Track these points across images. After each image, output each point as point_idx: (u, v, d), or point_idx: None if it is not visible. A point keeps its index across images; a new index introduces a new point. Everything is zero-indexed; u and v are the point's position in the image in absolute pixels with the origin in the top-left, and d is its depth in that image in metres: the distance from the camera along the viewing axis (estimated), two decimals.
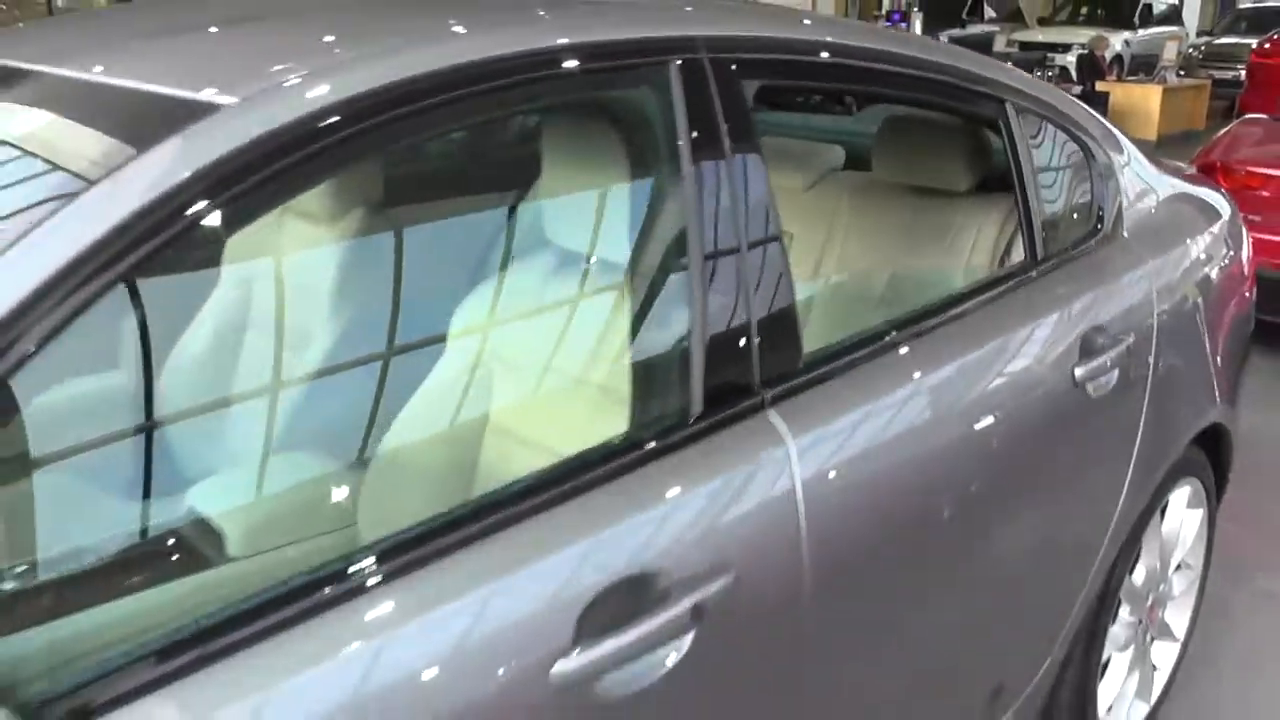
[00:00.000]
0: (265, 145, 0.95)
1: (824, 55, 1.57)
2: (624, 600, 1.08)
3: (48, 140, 1.06)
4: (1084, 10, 21.39)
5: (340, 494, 1.29)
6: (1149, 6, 20.57)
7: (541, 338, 1.39)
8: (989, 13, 23.48)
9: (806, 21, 1.61)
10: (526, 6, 1.32)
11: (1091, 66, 14.19)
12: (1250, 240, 2.69)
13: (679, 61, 1.30)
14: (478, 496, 1.09)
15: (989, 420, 1.59)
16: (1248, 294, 2.61)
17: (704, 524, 1.17)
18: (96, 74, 1.11)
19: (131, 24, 1.40)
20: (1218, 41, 18.08)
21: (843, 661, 1.37)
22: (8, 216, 0.90)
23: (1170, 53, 14.06)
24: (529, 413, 1.34)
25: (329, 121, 0.99)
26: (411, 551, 0.99)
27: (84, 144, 1.00)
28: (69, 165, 0.97)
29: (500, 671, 0.99)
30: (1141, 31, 19.52)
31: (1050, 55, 17.38)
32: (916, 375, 1.50)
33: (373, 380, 1.37)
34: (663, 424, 1.23)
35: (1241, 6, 20.88)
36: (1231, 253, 2.51)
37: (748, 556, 1.19)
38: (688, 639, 1.12)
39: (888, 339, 1.52)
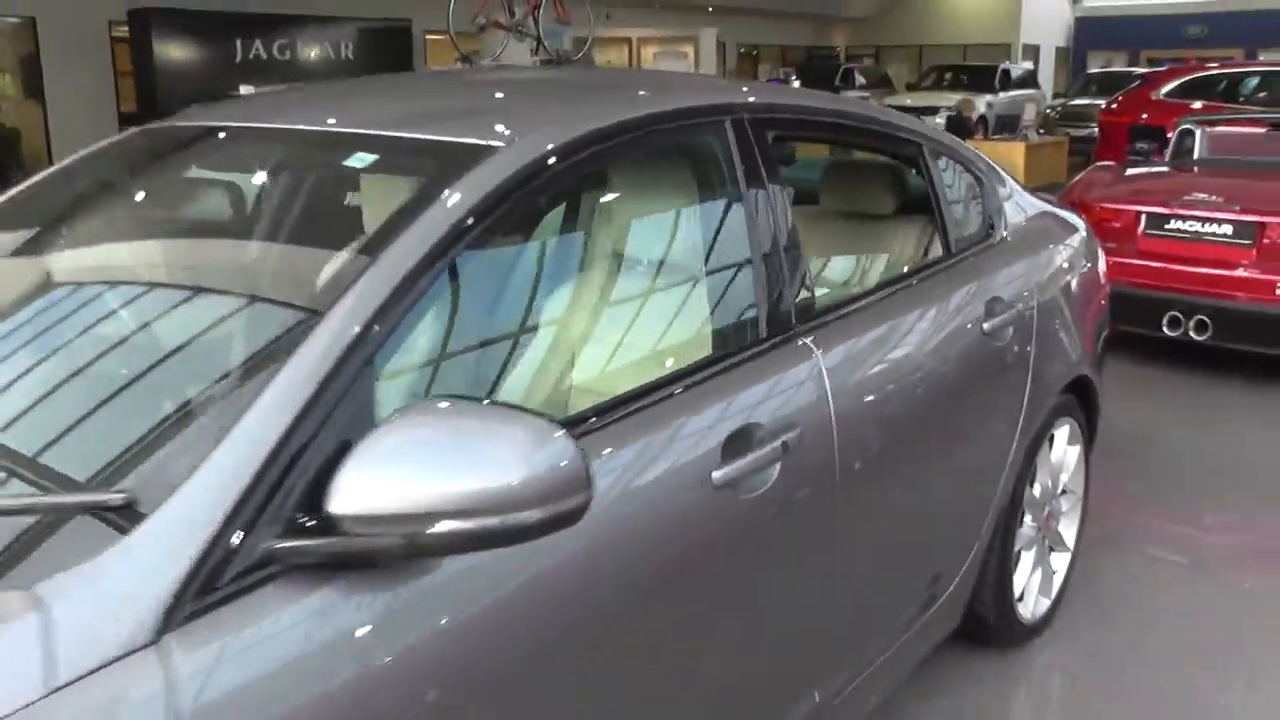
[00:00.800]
0: (527, 169, 1.64)
1: (809, 115, 2.34)
2: (744, 439, 1.79)
3: (395, 170, 1.75)
4: (948, 77, 23.11)
5: (609, 378, 1.89)
6: (1007, 72, 22.31)
7: (681, 298, 2.09)
8: (859, 79, 25.21)
9: (804, 97, 2.39)
10: (636, 85, 2.05)
11: (960, 126, 15.49)
12: (1104, 255, 3.54)
13: (730, 120, 2.04)
14: (668, 377, 1.77)
15: (915, 370, 2.34)
16: (1104, 285, 3.45)
17: (780, 398, 1.89)
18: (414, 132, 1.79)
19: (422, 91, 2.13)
20: (1072, 103, 19.83)
21: (857, 486, 2.07)
22: (401, 213, 1.56)
23: (1030, 114, 15.50)
24: (686, 341, 2.02)
25: (554, 155, 1.69)
26: (636, 405, 1.66)
27: (426, 171, 1.67)
28: (416, 185, 1.64)
29: (685, 477, 1.68)
30: (1003, 94, 21.15)
31: (921, 118, 18.73)
32: (880, 323, 2.25)
33: (612, 318, 2.04)
34: (748, 345, 1.94)
35: (1090, 71, 22.80)
36: (1088, 256, 3.35)
37: (804, 418, 1.91)
38: (778, 465, 1.83)
39: (861, 302, 2.27)
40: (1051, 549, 3.14)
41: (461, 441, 1.20)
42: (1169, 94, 11.40)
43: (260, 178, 2.12)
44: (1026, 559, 2.99)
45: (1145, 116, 11.00)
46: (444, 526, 1.17)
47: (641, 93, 2.09)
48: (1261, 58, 22.16)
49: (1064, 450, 3.10)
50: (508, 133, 1.69)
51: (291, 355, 1.30)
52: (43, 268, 1.94)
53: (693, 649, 1.75)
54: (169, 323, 1.67)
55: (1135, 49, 27.91)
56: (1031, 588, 3.03)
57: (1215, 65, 12.88)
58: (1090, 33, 30.12)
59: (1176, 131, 6.82)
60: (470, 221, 1.52)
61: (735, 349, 1.91)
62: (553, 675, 1.46)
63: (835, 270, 2.81)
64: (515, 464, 1.19)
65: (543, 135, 1.71)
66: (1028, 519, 2.94)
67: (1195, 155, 6.58)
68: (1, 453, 1.37)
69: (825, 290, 2.47)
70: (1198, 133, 6.66)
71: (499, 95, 2.22)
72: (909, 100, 21.34)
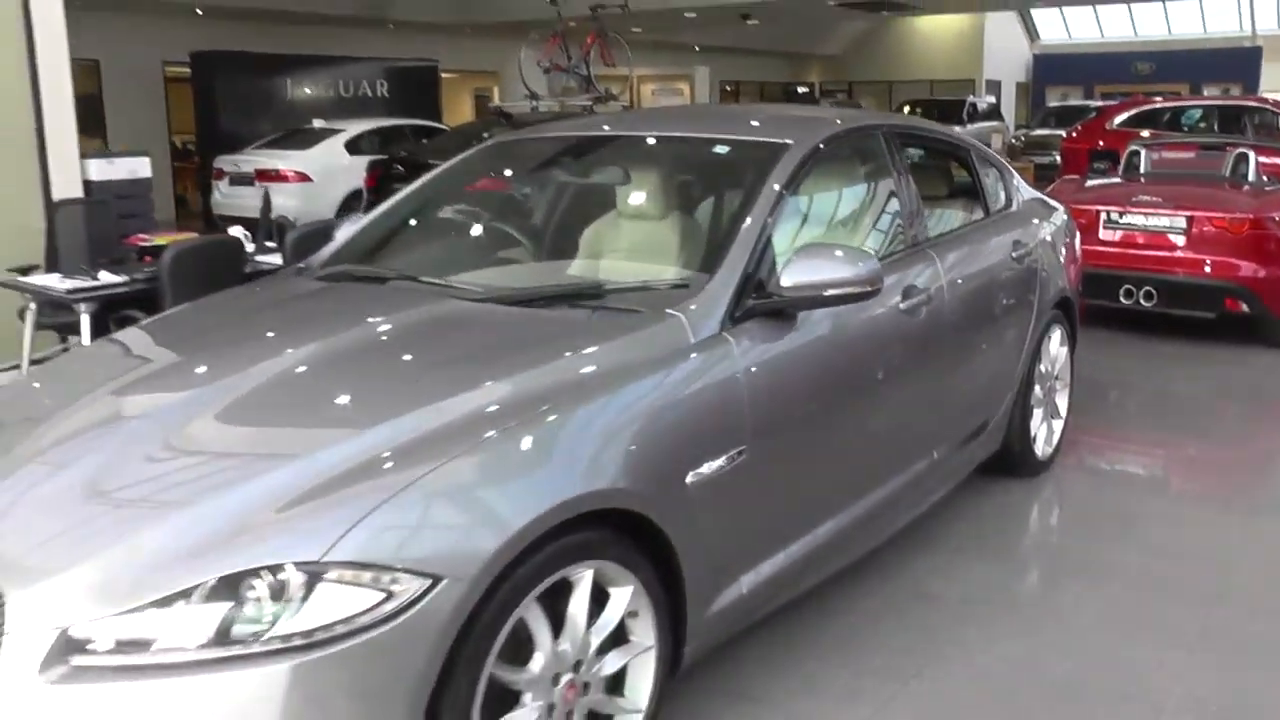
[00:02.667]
0: (809, 151, 3.33)
1: (915, 131, 4.09)
2: (910, 290, 3.46)
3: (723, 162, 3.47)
4: (918, 111, 25.15)
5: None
6: (974, 105, 24.34)
7: (875, 220, 3.71)
8: None
9: (913, 122, 4.14)
10: (828, 114, 3.78)
11: None
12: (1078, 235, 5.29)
13: (881, 132, 3.76)
14: (881, 255, 3.46)
15: (987, 274, 4.04)
16: (1077, 243, 5.21)
17: (923, 275, 3.58)
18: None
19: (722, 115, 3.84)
20: (1034, 133, 21.90)
21: (955, 332, 3.73)
22: (759, 173, 3.23)
23: (996, 143, 17.48)
24: (884, 241, 3.63)
25: (817, 148, 3.38)
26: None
27: (759, 155, 3.33)
28: (758, 161, 3.31)
29: (888, 302, 3.37)
30: (970, 125, 23.12)
31: None
32: (962, 247, 3.96)
33: (852, 223, 3.63)
34: (908, 246, 3.63)
35: (1050, 105, 24.93)
36: (1068, 225, 5.10)
37: (932, 287, 3.61)
38: (925, 307, 3.51)
39: (950, 235, 3.99)
40: (1051, 416, 4.85)
41: (839, 256, 2.86)
42: (1122, 123, 13.33)
43: (648, 165, 3.74)
44: (1037, 414, 4.69)
45: (1101, 143, 12.92)
46: (830, 291, 2.84)
47: (837, 119, 3.79)
48: (1205, 91, 24.38)
49: (1057, 346, 4.82)
50: (791, 138, 3.38)
51: (737, 233, 2.97)
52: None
53: (885, 401, 3.41)
54: (681, 222, 3.34)
55: (1089, 83, 30.16)
56: (1040, 436, 4.73)
57: (1160, 100, 14.89)
58: (1047, 69, 32.44)
59: (1127, 152, 8.65)
60: (790, 177, 3.21)
61: (902, 247, 3.60)
62: (847, 377, 3.14)
63: (935, 219, 4.52)
64: (857, 266, 2.86)
65: (806, 138, 3.39)
66: (1037, 388, 4.64)
67: (1142, 170, 8.41)
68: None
69: (934, 228, 4.15)
70: (1143, 153, 8.50)
71: (760, 117, 3.89)
72: None
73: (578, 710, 2.34)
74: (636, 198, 3.44)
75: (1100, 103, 19.75)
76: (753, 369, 2.74)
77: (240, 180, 12.34)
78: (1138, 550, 3.97)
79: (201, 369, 2.63)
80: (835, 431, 3.11)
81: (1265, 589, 3.69)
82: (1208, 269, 7.02)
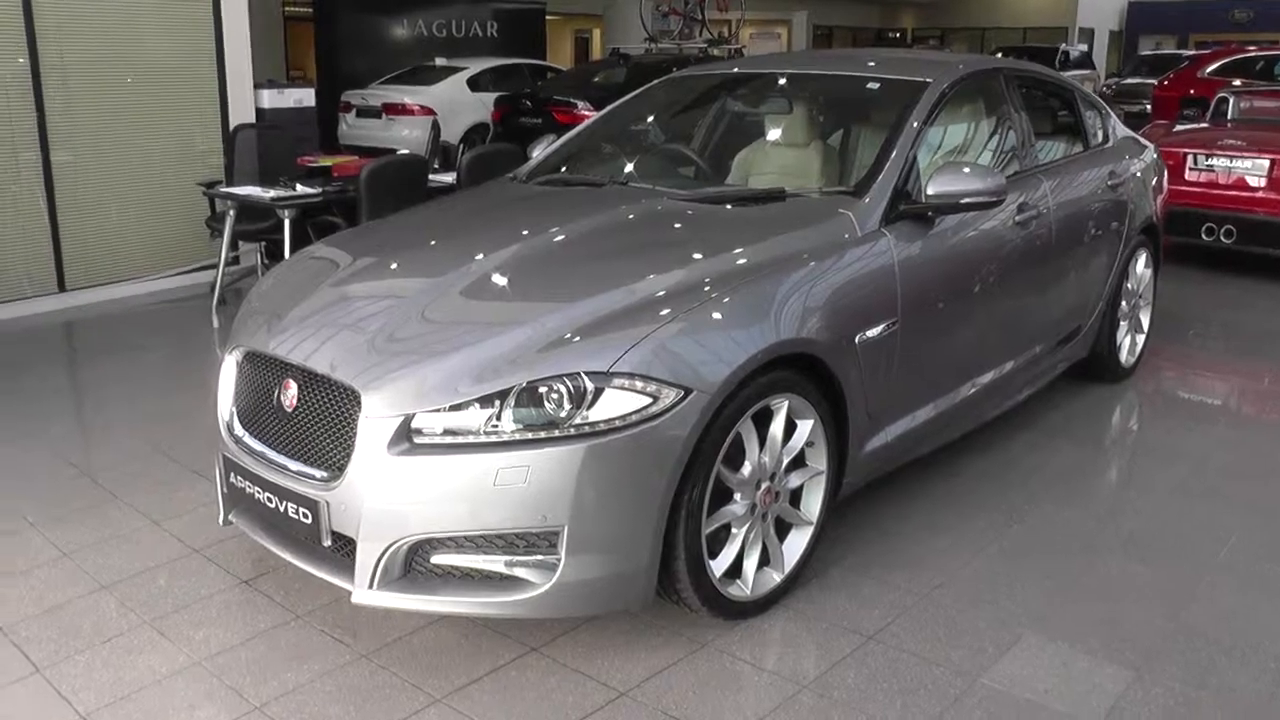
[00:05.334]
0: (945, 89, 3.99)
1: (1030, 74, 4.73)
2: (1024, 206, 4.12)
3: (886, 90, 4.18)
4: (1012, 57, 25.25)
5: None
6: (1066, 53, 24.39)
7: (1001, 146, 4.36)
8: None
9: (1029, 66, 4.77)
10: (955, 60, 4.44)
11: None
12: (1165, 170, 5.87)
13: (1003, 74, 4.42)
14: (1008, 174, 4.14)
15: (1085, 199, 4.69)
16: (1165, 183, 5.80)
17: (1034, 194, 4.25)
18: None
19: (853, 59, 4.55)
20: (1125, 81, 21.94)
21: (1060, 244, 4.40)
22: (906, 106, 3.92)
23: (1087, 90, 17.67)
24: (1008, 163, 4.33)
25: (956, 84, 4.04)
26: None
27: (906, 91, 4.01)
28: (904, 95, 4.00)
29: (1007, 217, 4.05)
30: (1063, 74, 23.26)
31: None
32: (1067, 174, 4.61)
33: (984, 146, 4.36)
34: (1020, 171, 4.30)
35: (1142, 54, 24.83)
36: (1156, 163, 5.69)
37: (1042, 205, 4.26)
38: (1034, 220, 4.19)
39: (1059, 163, 4.64)
40: (1135, 330, 5.49)
41: (972, 172, 3.55)
42: (1213, 72, 13.62)
43: (808, 98, 4.42)
44: (1123, 326, 5.33)
45: (1192, 91, 13.25)
46: (965, 199, 3.52)
47: (960, 63, 4.44)
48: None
49: (1142, 268, 5.44)
50: (929, 78, 4.05)
51: (891, 151, 3.67)
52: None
53: (1000, 297, 4.08)
54: (840, 145, 4.15)
55: (1184, 33, 29.83)
56: (1124, 346, 5.38)
57: (1253, 49, 15.05)
58: (1141, 17, 32.04)
59: (1216, 99, 9.10)
60: (930, 110, 3.89)
61: (1015, 170, 4.26)
62: (972, 274, 3.83)
63: (1044, 150, 5.13)
64: (992, 179, 3.54)
65: (942, 78, 4.06)
66: (1123, 303, 5.28)
67: (1230, 116, 8.86)
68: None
69: (1042, 157, 4.79)
70: (1231, 100, 8.94)
71: (898, 60, 4.56)
72: None
73: (770, 513, 3.09)
74: (801, 124, 4.16)
75: (1192, 52, 19.75)
76: (903, 257, 3.45)
77: (367, 113, 13.19)
78: (1202, 441, 4.64)
79: (476, 241, 3.39)
80: (962, 315, 3.81)
81: None
82: None
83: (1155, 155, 5.75)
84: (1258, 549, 3.62)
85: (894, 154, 3.64)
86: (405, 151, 7.21)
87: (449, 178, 6.54)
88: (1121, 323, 5.28)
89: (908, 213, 3.55)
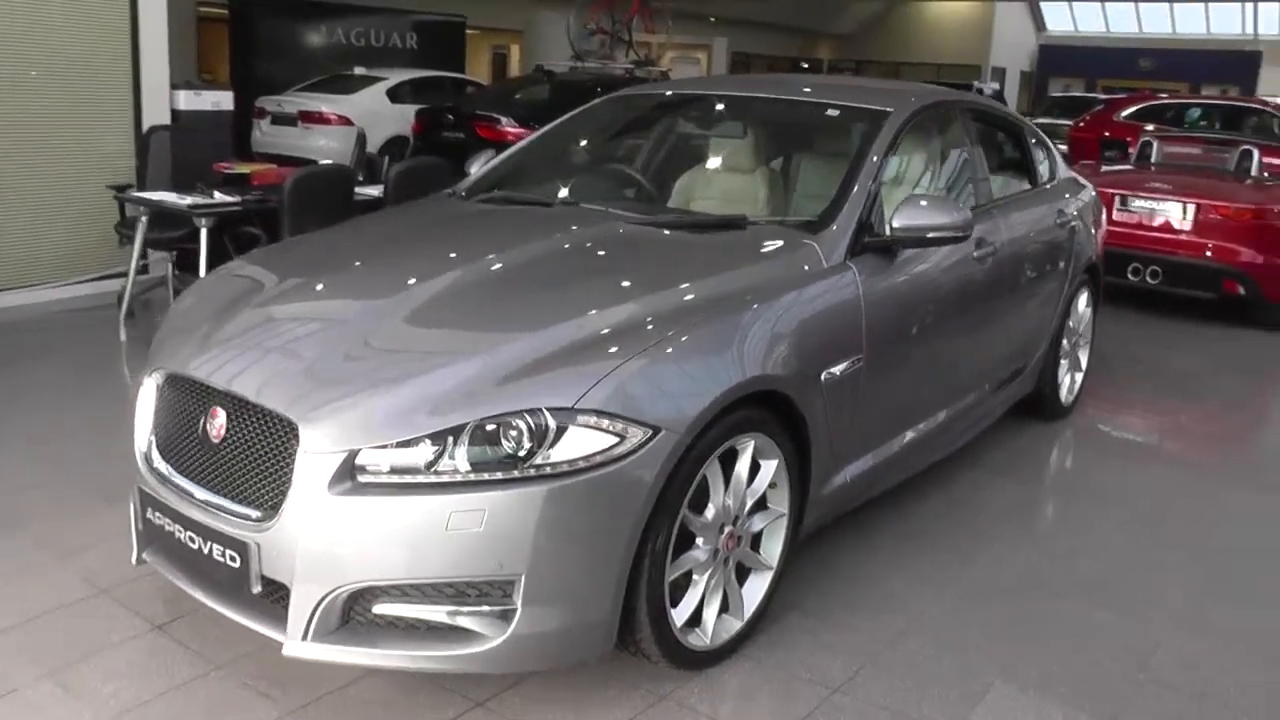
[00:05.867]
0: (906, 118, 3.88)
1: (981, 108, 4.66)
2: (981, 241, 4.07)
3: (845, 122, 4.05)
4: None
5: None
6: (980, 90, 24.93)
7: (953, 177, 4.32)
8: None
9: (982, 101, 4.71)
10: (908, 89, 4.35)
11: None
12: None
13: (958, 109, 4.34)
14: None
15: (1036, 236, 4.63)
16: (1104, 222, 5.81)
17: (990, 230, 4.18)
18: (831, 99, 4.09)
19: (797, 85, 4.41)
20: (1039, 121, 22.47)
21: (1008, 280, 4.32)
22: (866, 138, 3.81)
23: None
24: (964, 196, 4.28)
25: (916, 114, 3.94)
26: None
27: (865, 119, 3.91)
28: (865, 124, 3.89)
29: (966, 251, 3.96)
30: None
31: None
32: (1020, 209, 4.55)
33: (937, 176, 4.26)
34: (978, 205, 4.23)
35: (1055, 95, 25.52)
36: (1096, 201, 5.70)
37: (997, 239, 4.20)
38: (991, 257, 4.13)
39: (1010, 199, 4.58)
40: (1074, 369, 5.47)
41: (938, 206, 3.44)
42: (1128, 116, 13.94)
43: (765, 122, 4.28)
44: (1064, 365, 5.31)
45: (1108, 133, 13.55)
46: (931, 233, 3.40)
47: (913, 95, 4.34)
48: (1203, 91, 25.01)
49: (1083, 307, 5.42)
50: (890, 107, 3.94)
51: (855, 181, 3.54)
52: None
53: (958, 334, 3.99)
54: (800, 172, 3.97)
55: (1092, 77, 30.77)
56: (1064, 384, 5.36)
57: (1165, 96, 15.51)
58: (1052, 60, 33.04)
59: (1140, 142, 9.26)
60: (892, 140, 3.77)
61: (972, 205, 4.15)
62: (932, 310, 3.71)
63: (996, 185, 5.08)
64: (958, 213, 3.43)
65: (902, 108, 3.96)
66: (1065, 342, 5.25)
67: (1153, 160, 9.03)
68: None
69: (996, 192, 4.71)
70: (1155, 144, 9.11)
71: (857, 88, 4.45)
72: None
73: (731, 558, 2.92)
74: (758, 149, 4.01)
75: (1105, 96, 20.32)
76: (868, 291, 3.32)
77: (283, 120, 12.78)
78: (1139, 480, 4.62)
79: (419, 262, 3.16)
80: (923, 351, 3.70)
81: (1248, 516, 4.35)
82: (1209, 253, 7.66)
83: (1094, 194, 5.76)
84: (1205, 592, 3.59)
85: (858, 184, 3.52)
86: (329, 162, 6.90)
87: (375, 191, 6.28)
88: (1063, 361, 5.26)
89: (871, 245, 3.43)
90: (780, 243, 3.33)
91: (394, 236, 3.60)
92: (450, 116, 11.09)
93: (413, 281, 2.96)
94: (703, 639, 2.86)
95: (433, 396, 2.47)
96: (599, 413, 2.46)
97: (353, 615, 2.48)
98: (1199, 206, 7.68)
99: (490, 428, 2.43)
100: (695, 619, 2.85)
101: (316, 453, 2.43)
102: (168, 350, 2.93)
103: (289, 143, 12.46)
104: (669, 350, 2.65)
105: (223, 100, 8.07)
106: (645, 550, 2.57)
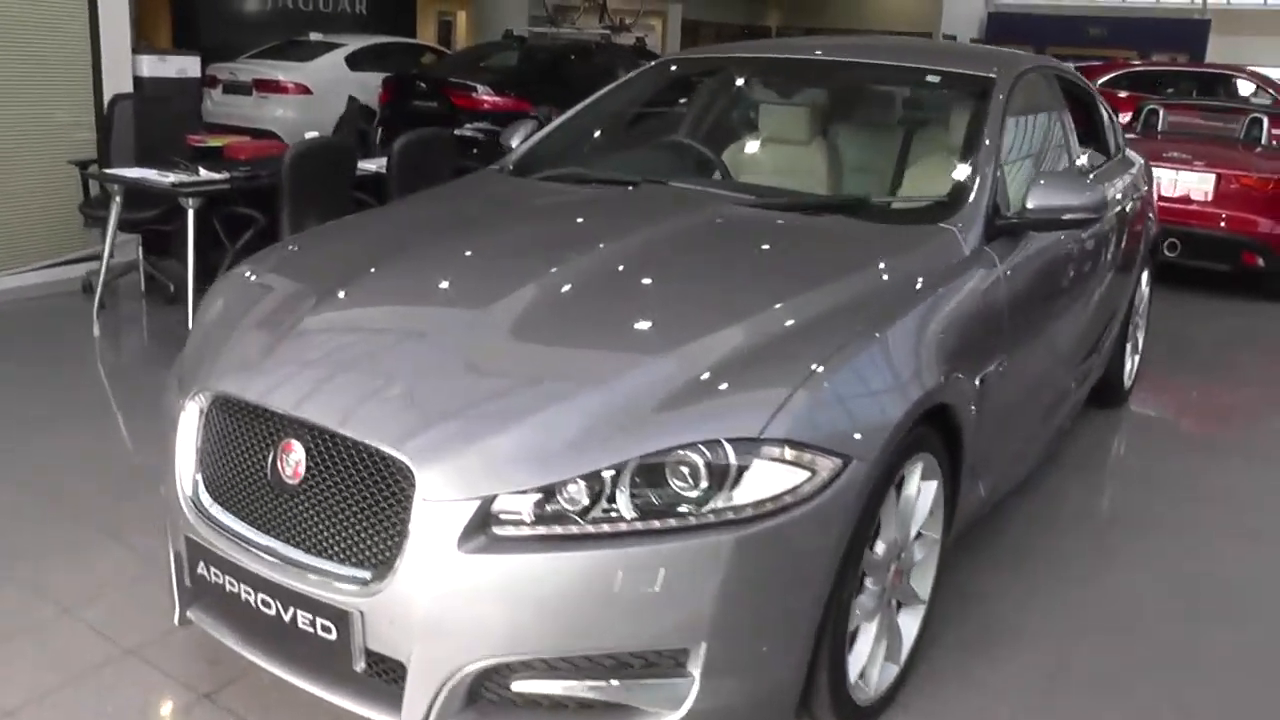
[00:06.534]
0: (1013, 83, 3.46)
1: (1065, 76, 4.26)
2: None
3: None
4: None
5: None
6: None
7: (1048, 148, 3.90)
8: None
9: (1066, 71, 4.31)
10: (1004, 53, 3.94)
11: None
12: None
13: (1047, 73, 3.93)
14: None
15: (1123, 209, 4.25)
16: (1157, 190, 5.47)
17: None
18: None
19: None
20: None
21: (1090, 315, 3.92)
22: (981, 98, 3.38)
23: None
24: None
25: (1020, 80, 3.51)
26: None
27: (978, 83, 3.49)
28: (976, 88, 3.46)
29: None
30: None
31: None
32: (1111, 177, 4.18)
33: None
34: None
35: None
36: (1150, 174, 5.35)
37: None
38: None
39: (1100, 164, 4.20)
40: (1134, 351, 5.14)
41: (1075, 184, 3.03)
42: (1103, 84, 13.70)
43: (859, 91, 3.87)
44: (1127, 346, 4.96)
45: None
46: (1067, 215, 3.00)
47: (1011, 56, 3.93)
48: (1153, 58, 25.00)
49: (1144, 285, 5.08)
50: (992, 72, 3.51)
51: (980, 155, 3.11)
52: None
53: (1073, 318, 3.58)
54: (909, 145, 3.52)
55: (1041, 45, 30.60)
56: (1127, 367, 5.01)
57: (1138, 64, 15.34)
58: (1001, 27, 32.71)
59: (1145, 111, 8.97)
60: (1004, 108, 3.35)
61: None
62: (1052, 298, 3.32)
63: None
64: (1093, 193, 3.02)
65: (1006, 72, 3.54)
66: (1134, 321, 4.91)
67: (1159, 129, 8.75)
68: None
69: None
70: (1161, 111, 8.83)
71: (940, 51, 3.99)
72: None
73: (895, 596, 2.52)
74: (861, 120, 3.58)
75: (1072, 64, 20.13)
76: (1008, 281, 2.92)
77: (236, 89, 12.01)
78: (1223, 476, 4.32)
79: (508, 257, 2.68)
80: (1047, 344, 3.33)
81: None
82: (1226, 224, 7.40)
83: (1147, 166, 5.41)
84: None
85: (984, 159, 3.10)
86: (314, 134, 6.31)
87: (374, 165, 5.73)
88: (1127, 342, 4.92)
89: (1004, 229, 3.02)
90: (918, 228, 2.90)
91: (459, 224, 3.06)
92: (422, 84, 10.45)
93: (510, 281, 2.48)
94: (866, 690, 2.45)
95: (579, 427, 2.01)
96: (787, 443, 2.02)
97: (483, 692, 2.03)
98: (1220, 177, 7.41)
99: (657, 466, 1.98)
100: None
101: (440, 500, 1.96)
102: (210, 367, 2.40)
103: (243, 113, 11.71)
104: (849, 363, 2.22)
105: (189, 67, 7.43)
106: (834, 601, 2.14)
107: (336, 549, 2.06)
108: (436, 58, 13.46)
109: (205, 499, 2.30)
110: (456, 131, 8.48)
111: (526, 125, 4.05)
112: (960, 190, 3.02)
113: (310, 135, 6.06)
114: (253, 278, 2.80)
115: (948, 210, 2.96)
